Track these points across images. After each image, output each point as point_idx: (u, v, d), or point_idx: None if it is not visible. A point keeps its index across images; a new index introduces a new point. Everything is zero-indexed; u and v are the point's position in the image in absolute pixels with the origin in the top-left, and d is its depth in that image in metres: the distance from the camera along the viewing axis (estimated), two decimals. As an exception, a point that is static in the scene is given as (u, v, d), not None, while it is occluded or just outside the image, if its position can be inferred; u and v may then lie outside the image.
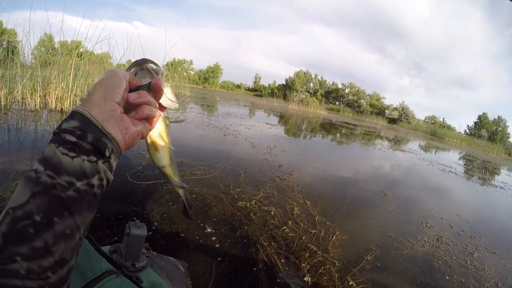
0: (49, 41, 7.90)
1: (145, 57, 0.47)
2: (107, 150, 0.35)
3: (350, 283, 1.66)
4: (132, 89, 0.41)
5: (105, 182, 0.35)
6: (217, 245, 1.72)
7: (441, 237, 2.71)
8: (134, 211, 1.91)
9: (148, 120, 0.44)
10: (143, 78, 0.45)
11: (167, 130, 0.53)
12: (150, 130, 0.45)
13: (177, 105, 0.50)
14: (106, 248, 0.69)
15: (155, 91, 0.44)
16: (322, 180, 3.72)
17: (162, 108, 0.48)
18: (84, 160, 0.33)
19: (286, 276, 1.58)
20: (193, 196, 2.31)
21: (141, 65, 0.45)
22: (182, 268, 0.92)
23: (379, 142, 10.90)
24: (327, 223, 2.37)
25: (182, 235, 1.75)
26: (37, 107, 4.52)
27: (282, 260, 1.72)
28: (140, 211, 1.92)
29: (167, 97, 0.48)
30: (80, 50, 5.81)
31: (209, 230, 1.86)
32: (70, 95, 5.05)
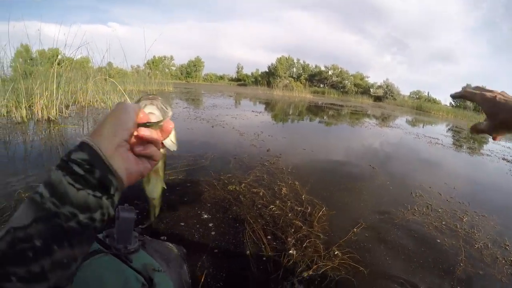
0: (26, 51, 7.70)
1: (155, 95, 0.48)
2: (112, 187, 0.36)
3: (336, 252, 1.74)
4: (141, 123, 0.42)
5: (106, 217, 0.36)
6: (213, 232, 1.80)
7: (430, 205, 2.79)
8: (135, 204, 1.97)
9: (151, 158, 0.44)
10: (152, 114, 0.46)
11: (163, 167, 0.54)
12: (150, 169, 0.45)
13: (177, 147, 0.51)
14: (100, 236, 0.73)
15: (165, 132, 0.46)
16: (310, 161, 3.83)
17: (162, 146, 0.49)
18: (89, 194, 0.33)
19: (273, 251, 1.68)
20: (188, 185, 2.40)
21: (151, 100, 0.47)
22: (177, 251, 0.98)
23: (366, 120, 11.07)
24: (314, 200, 2.44)
25: (182, 224, 1.83)
26: (24, 119, 4.48)
27: (269, 237, 1.83)
28: (141, 204, 1.98)
29: (170, 139, 0.48)
30: (59, 58, 5.75)
31: (205, 216, 1.97)
32: (56, 103, 5.02)
